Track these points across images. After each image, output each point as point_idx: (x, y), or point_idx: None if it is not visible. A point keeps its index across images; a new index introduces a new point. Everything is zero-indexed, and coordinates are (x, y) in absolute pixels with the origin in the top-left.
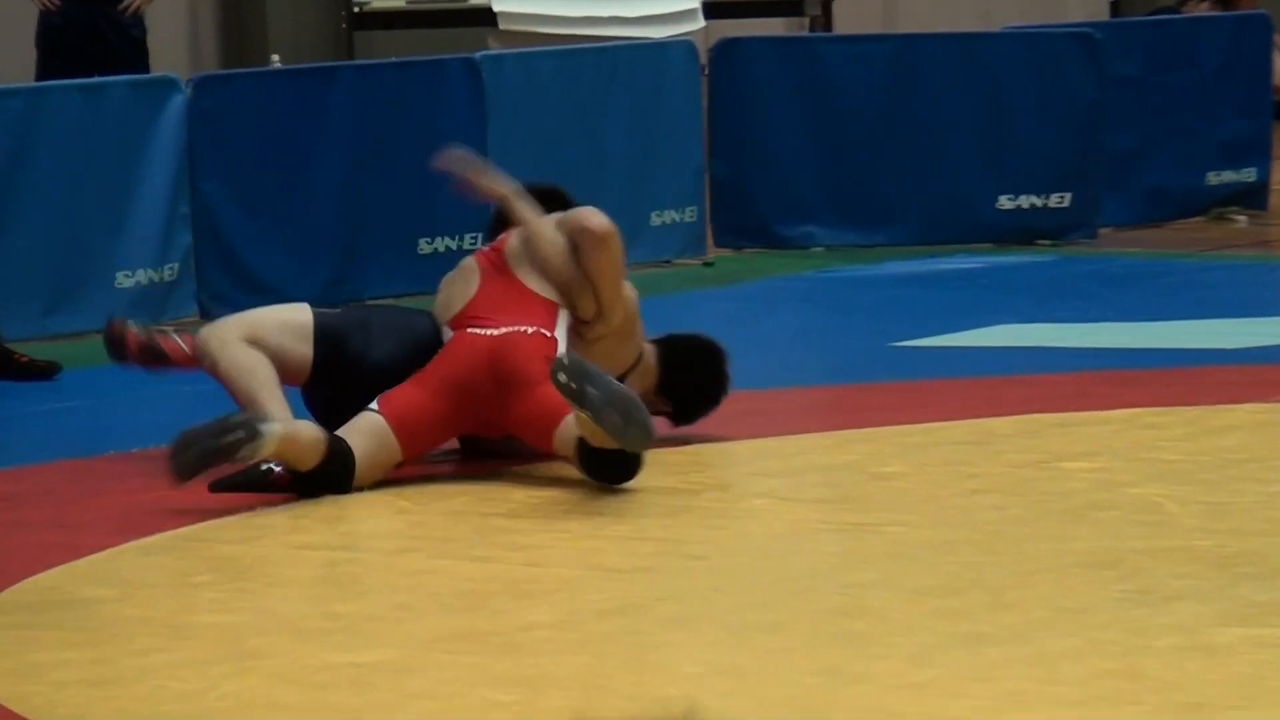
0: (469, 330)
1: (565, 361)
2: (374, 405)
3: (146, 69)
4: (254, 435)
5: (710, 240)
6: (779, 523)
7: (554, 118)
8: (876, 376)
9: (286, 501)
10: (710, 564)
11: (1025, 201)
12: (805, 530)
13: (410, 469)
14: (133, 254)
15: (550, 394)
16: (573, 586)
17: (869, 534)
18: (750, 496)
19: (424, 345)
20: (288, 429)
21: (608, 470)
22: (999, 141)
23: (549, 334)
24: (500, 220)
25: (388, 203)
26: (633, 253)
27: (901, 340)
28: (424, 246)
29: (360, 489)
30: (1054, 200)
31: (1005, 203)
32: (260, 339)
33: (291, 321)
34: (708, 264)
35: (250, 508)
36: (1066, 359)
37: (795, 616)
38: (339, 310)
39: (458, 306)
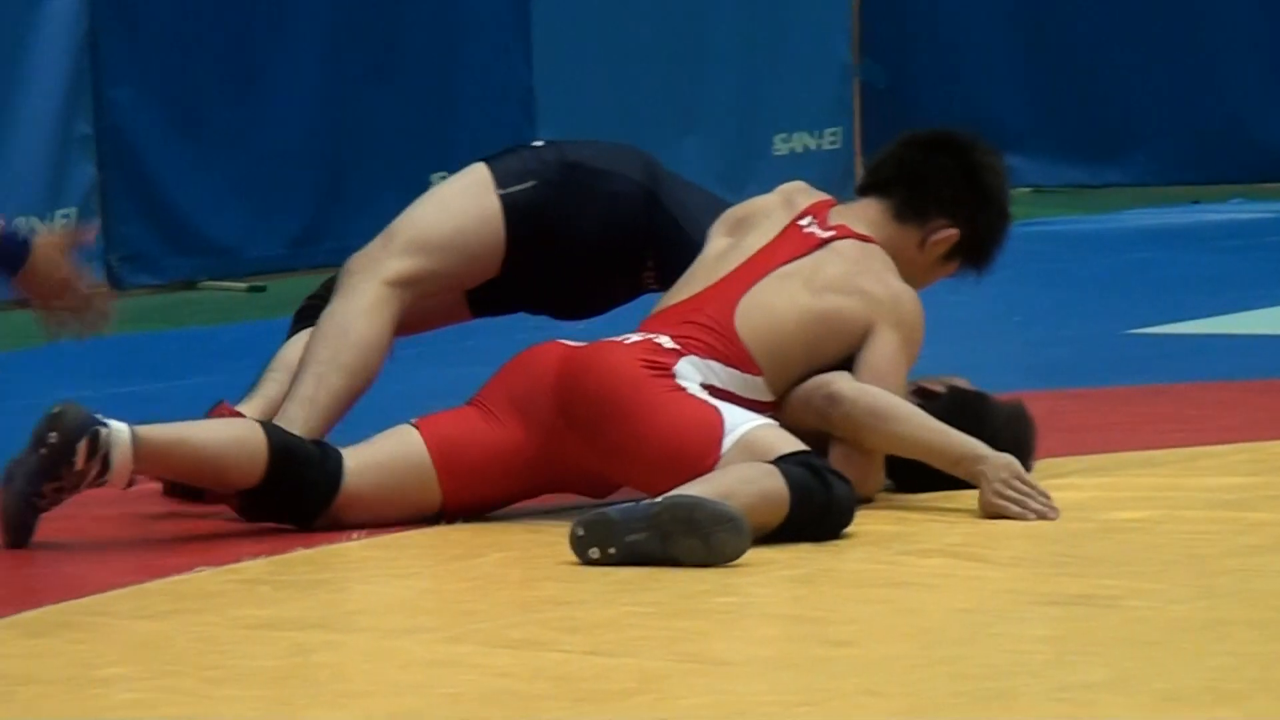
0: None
1: (581, 524)
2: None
3: None
4: (70, 440)
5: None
6: (963, 593)
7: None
8: (1109, 379)
9: (235, 556)
10: (861, 654)
11: None
12: (1002, 604)
13: None
14: (8, 194)
15: (670, 419)
16: (659, 686)
17: (1099, 610)
18: (922, 554)
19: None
20: (164, 428)
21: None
22: None
23: (667, 343)
24: (897, 172)
25: (384, 121)
26: (748, 192)
27: (1146, 326)
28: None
29: (347, 532)
30: None
31: None
32: (424, 275)
33: (471, 222)
34: None
35: (185, 565)
36: None
37: None
38: (529, 169)
39: (680, 294)
